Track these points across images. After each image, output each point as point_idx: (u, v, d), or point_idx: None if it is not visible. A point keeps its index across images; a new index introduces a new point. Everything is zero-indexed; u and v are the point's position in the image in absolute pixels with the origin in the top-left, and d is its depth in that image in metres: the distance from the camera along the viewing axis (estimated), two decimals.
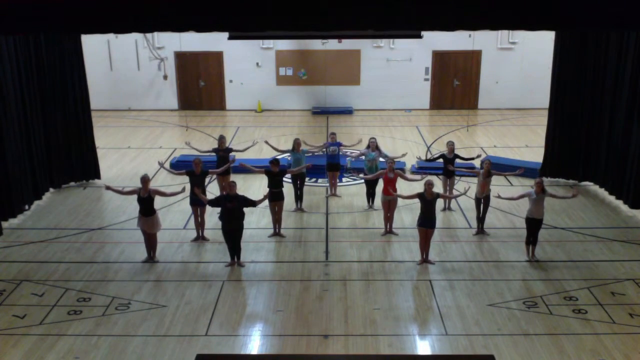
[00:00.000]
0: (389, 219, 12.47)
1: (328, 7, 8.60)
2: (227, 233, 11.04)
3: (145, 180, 11.09)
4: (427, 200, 10.97)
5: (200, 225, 12.17)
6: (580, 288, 10.39)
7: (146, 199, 11.00)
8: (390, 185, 12.19)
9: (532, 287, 10.44)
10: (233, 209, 10.82)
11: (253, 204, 10.99)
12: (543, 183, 11.20)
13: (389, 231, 12.50)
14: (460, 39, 21.57)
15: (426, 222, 11.09)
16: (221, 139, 13.78)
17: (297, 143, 13.61)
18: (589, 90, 14.47)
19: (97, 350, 8.79)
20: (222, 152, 13.58)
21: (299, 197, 13.70)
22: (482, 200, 12.44)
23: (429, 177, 11.64)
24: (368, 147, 13.81)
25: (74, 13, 8.72)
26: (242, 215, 11.03)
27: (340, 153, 14.54)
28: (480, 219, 12.60)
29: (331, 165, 14.38)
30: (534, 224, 11.23)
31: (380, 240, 12.27)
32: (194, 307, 9.89)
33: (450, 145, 13.62)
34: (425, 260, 11.28)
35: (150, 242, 11.35)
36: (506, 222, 13.11)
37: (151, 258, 11.38)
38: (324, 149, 14.57)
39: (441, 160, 13.49)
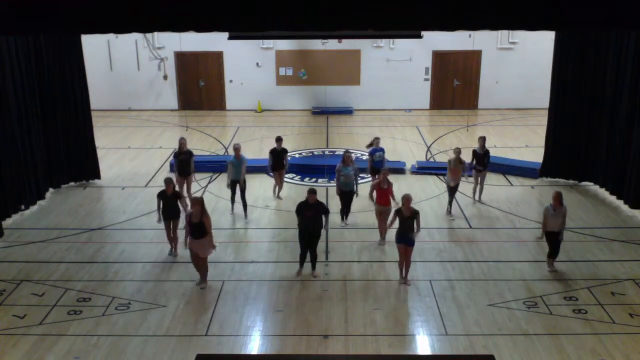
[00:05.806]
0: (385, 229, 11.76)
1: (328, 7, 8.59)
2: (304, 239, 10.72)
3: (198, 202, 10.06)
4: (405, 216, 10.30)
5: (173, 239, 11.50)
6: (580, 288, 10.38)
7: (198, 223, 10.00)
8: (385, 195, 11.75)
9: (532, 287, 10.44)
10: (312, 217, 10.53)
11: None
12: (561, 197, 10.55)
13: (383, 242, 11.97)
14: (460, 39, 21.58)
15: (403, 238, 10.41)
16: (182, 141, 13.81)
17: (235, 149, 13.11)
18: (589, 90, 14.46)
19: (97, 350, 8.79)
20: (183, 156, 13.58)
21: (244, 207, 13.22)
22: (453, 189, 13.23)
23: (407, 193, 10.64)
24: (343, 161, 12.59)
25: (74, 13, 8.71)
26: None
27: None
28: (450, 203, 13.35)
29: (375, 170, 13.70)
30: (550, 237, 10.78)
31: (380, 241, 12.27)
32: (194, 307, 9.89)
33: (481, 141, 13.85)
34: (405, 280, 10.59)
35: (199, 265, 10.37)
36: (506, 222, 13.10)
37: (201, 281, 10.47)
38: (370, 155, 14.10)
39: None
